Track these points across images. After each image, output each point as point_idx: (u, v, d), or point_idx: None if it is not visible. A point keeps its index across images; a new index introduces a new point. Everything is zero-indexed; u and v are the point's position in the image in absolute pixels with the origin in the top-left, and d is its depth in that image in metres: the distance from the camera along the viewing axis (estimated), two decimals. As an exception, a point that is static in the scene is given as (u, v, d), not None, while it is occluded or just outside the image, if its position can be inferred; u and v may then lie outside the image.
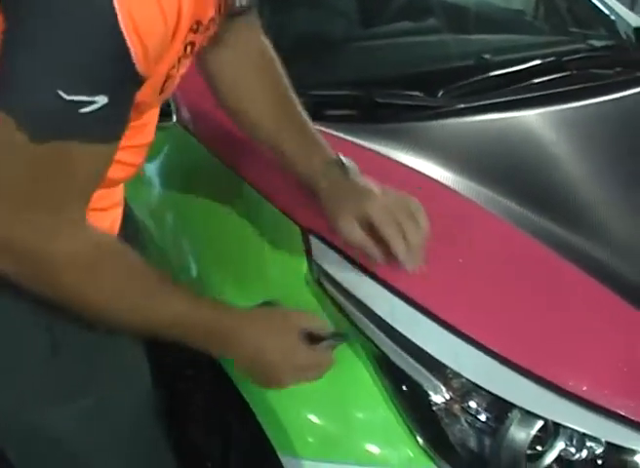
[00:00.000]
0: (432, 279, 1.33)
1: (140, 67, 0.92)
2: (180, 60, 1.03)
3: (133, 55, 0.89)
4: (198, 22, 1.01)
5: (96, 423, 1.24)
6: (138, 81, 0.95)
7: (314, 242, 1.37)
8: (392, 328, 1.28)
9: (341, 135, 1.60)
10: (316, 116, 1.62)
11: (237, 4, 1.14)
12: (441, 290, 1.33)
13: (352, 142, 1.58)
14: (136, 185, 1.33)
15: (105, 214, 1.20)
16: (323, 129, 1.59)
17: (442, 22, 2.23)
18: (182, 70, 1.08)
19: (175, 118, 1.68)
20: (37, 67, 0.87)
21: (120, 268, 1.07)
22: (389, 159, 1.55)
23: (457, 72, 1.88)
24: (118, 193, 1.26)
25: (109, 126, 0.96)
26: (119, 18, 0.85)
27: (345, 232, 1.21)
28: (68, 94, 0.87)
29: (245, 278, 1.45)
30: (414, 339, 1.26)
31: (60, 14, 0.85)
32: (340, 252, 1.35)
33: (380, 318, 1.29)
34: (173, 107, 1.67)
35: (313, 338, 1.18)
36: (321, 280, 1.35)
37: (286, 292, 1.41)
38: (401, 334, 1.28)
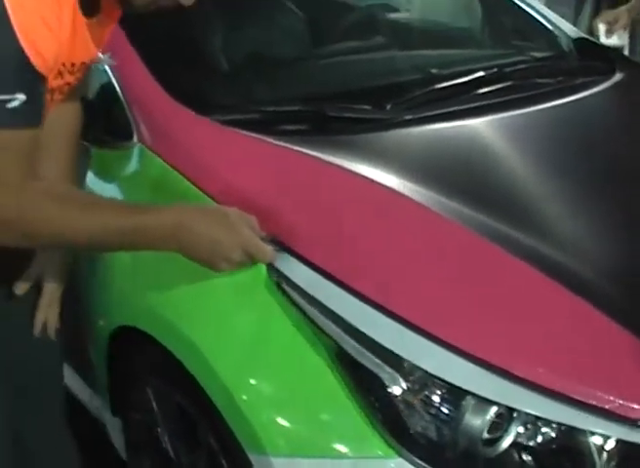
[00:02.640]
0: (389, 278, 1.40)
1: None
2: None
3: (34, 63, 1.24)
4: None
5: None
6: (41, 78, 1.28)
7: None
8: (352, 326, 1.35)
9: (295, 147, 1.66)
10: (270, 131, 1.71)
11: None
12: (397, 288, 1.40)
13: (304, 153, 1.65)
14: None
15: None
16: (277, 142, 1.67)
17: (390, 40, 2.31)
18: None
19: (135, 138, 1.73)
20: None
21: (78, 198, 1.37)
22: (340, 168, 1.62)
23: (404, 86, 1.95)
24: None
25: (31, 115, 1.26)
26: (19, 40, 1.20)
27: None
28: None
29: (210, 288, 1.50)
30: (372, 335, 1.33)
31: None
32: (298, 256, 1.43)
33: (339, 317, 1.35)
34: (133, 127, 1.74)
35: None
36: (281, 284, 1.42)
37: (249, 297, 1.47)
38: (360, 331, 1.34)
